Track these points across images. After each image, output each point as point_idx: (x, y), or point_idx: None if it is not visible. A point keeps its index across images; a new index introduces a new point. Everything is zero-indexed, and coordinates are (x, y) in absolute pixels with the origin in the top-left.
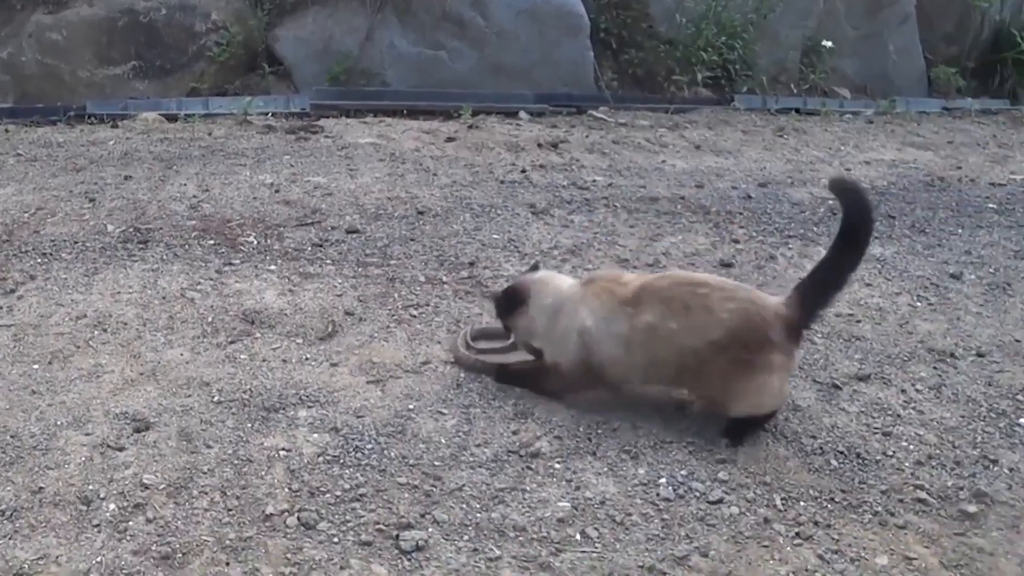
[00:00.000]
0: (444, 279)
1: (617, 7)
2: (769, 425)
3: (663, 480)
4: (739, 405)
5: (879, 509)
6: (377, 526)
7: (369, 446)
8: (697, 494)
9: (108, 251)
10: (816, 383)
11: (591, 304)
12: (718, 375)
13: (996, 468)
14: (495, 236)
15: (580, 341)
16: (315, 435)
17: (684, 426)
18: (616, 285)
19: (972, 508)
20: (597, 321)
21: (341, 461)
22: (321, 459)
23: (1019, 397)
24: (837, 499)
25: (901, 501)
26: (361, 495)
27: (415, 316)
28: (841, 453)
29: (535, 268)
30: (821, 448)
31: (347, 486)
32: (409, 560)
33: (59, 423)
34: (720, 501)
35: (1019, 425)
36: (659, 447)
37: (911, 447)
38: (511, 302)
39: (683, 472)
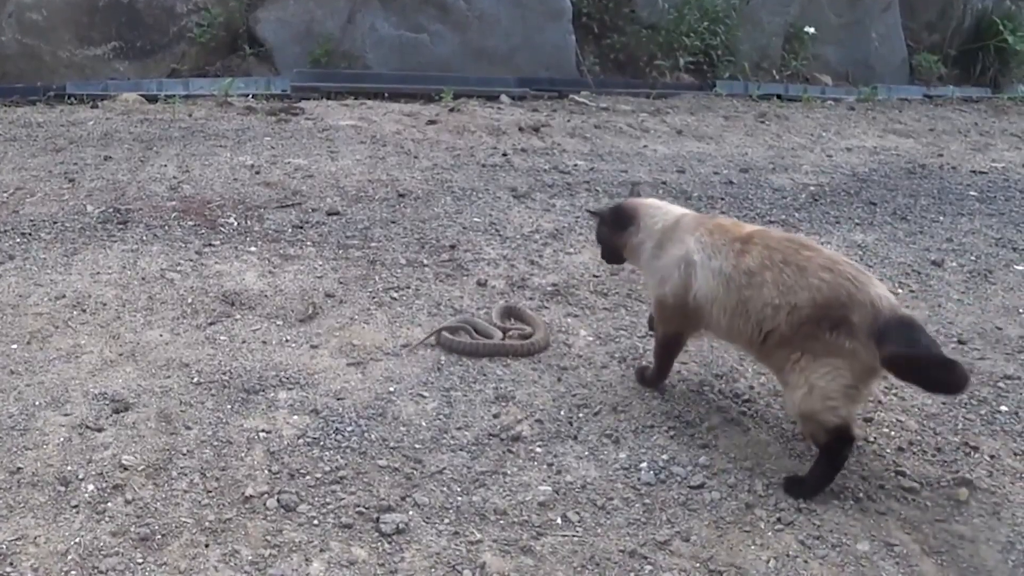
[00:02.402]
0: (425, 262)
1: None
2: (752, 411)
3: (644, 464)
4: (793, 394)
5: (861, 495)
6: (357, 508)
7: (349, 428)
8: (679, 479)
9: (87, 231)
10: None
11: (702, 237)
12: (786, 346)
13: (977, 455)
14: (476, 219)
15: (684, 272)
16: (295, 417)
17: (666, 410)
18: (734, 225)
19: (953, 495)
20: (703, 255)
21: (321, 443)
22: (301, 441)
23: (1000, 384)
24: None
25: (883, 487)
26: (341, 477)
27: (396, 299)
28: None
29: (636, 194)
30: (803, 434)
31: (327, 468)
32: (389, 543)
33: (37, 403)
34: (702, 486)
35: (1000, 412)
36: (640, 431)
37: (892, 434)
38: (620, 220)
39: (664, 457)
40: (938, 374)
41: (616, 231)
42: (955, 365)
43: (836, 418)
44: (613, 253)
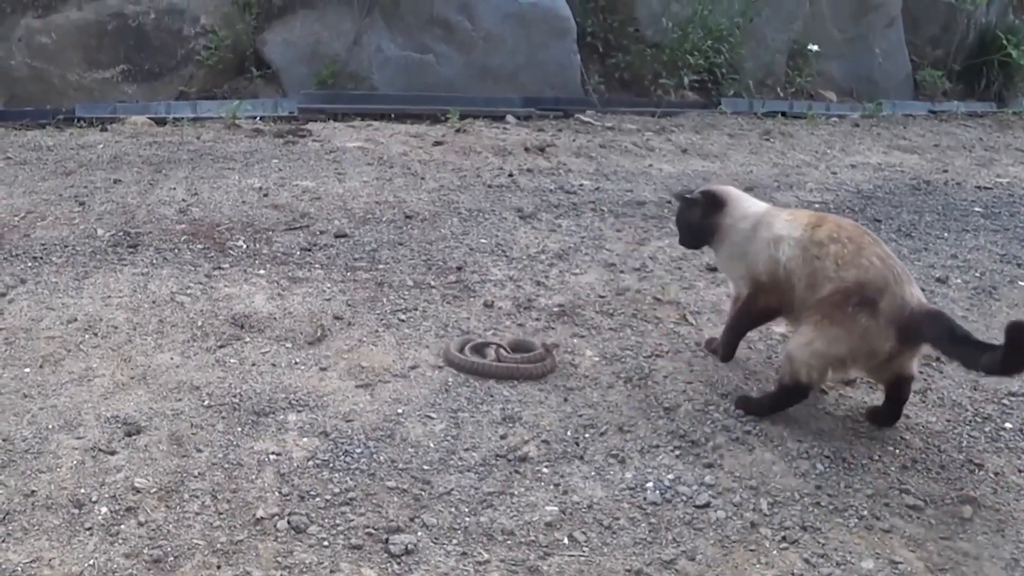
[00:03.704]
0: (432, 283)
1: (603, 11)
2: (757, 429)
3: (650, 484)
4: (795, 338)
5: (865, 513)
6: (367, 530)
7: (358, 450)
8: (684, 498)
9: (98, 255)
10: None
11: (786, 218)
12: (818, 307)
13: (981, 472)
14: (483, 240)
15: (774, 248)
16: (305, 439)
17: (671, 429)
18: (812, 213)
19: (958, 512)
20: (787, 230)
21: (331, 465)
22: (311, 463)
23: (1004, 402)
24: (823, 503)
25: (887, 505)
26: (351, 499)
27: (403, 320)
28: (827, 457)
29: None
30: (807, 452)
31: (337, 490)
32: (398, 564)
33: (51, 427)
34: (707, 505)
35: (1004, 429)
36: (646, 451)
37: (897, 451)
38: (713, 204)
39: (670, 476)
40: (975, 351)
41: (708, 214)
42: (993, 347)
43: (808, 376)
44: (698, 236)
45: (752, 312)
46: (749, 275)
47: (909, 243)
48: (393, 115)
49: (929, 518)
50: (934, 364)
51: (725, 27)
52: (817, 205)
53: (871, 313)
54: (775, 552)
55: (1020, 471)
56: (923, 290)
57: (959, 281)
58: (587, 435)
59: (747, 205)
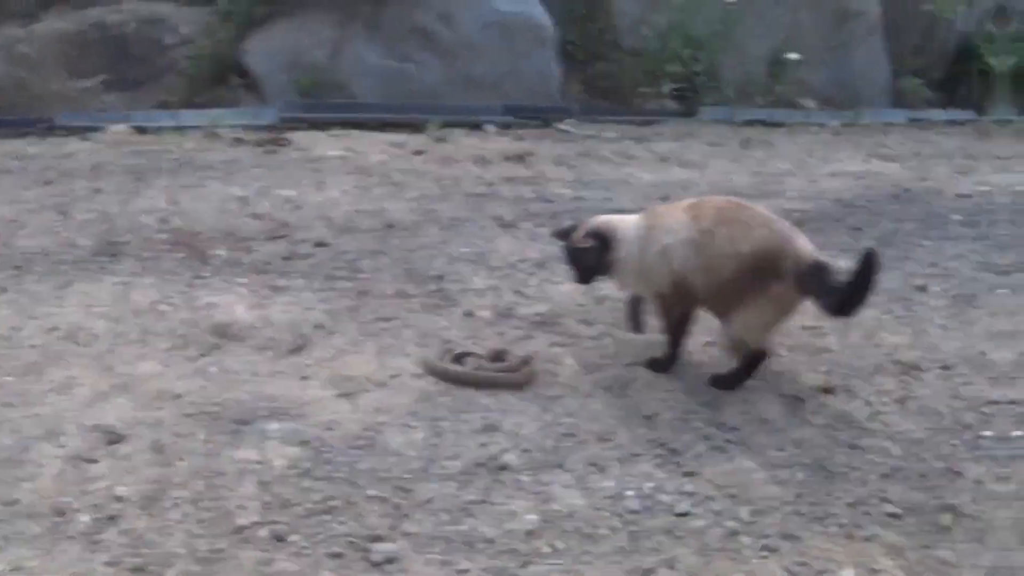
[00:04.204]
0: (412, 292)
1: (583, 19)
2: (737, 438)
3: (630, 493)
4: (734, 324)
5: (845, 521)
6: (348, 538)
7: (339, 459)
8: (664, 506)
9: (80, 264)
10: (782, 396)
11: (662, 223)
12: (732, 291)
13: (961, 481)
14: (463, 249)
15: (666, 263)
16: (286, 448)
17: (652, 438)
18: (675, 202)
19: (938, 521)
20: (670, 235)
21: (312, 474)
22: (292, 472)
23: (984, 410)
24: (804, 511)
25: (867, 514)
26: (332, 507)
27: (384, 329)
28: (807, 466)
29: (571, 228)
30: (787, 461)
31: (318, 498)
32: (380, 572)
33: (32, 435)
34: (687, 514)
35: (984, 437)
36: (626, 460)
37: (877, 460)
38: (604, 245)
39: (650, 484)
40: (841, 296)
41: (602, 254)
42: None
43: (758, 345)
44: (594, 274)
45: (674, 320)
46: (656, 292)
47: (890, 251)
48: (374, 124)
49: (909, 526)
50: (913, 373)
51: (704, 36)
52: (797, 214)
53: (777, 278)
54: (755, 560)
55: (1000, 479)
56: (904, 299)
57: (938, 289)
58: (567, 444)
59: (630, 231)
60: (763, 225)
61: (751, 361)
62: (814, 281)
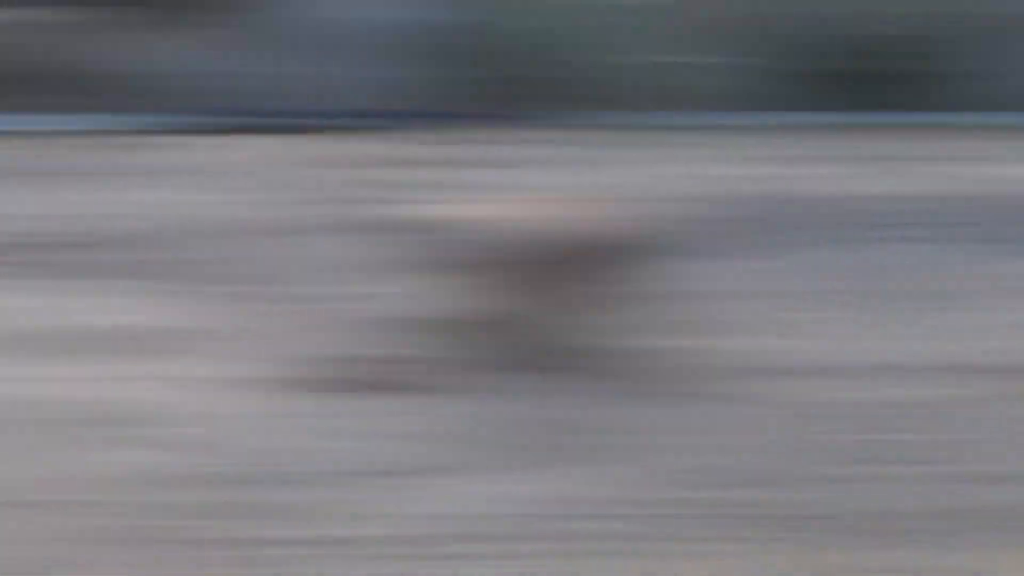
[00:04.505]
0: (261, 297)
1: (465, 27)
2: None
3: (540, 497)
4: None
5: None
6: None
7: (218, 462)
8: (572, 513)
9: None
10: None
11: None
12: None
13: None
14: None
15: None
16: (150, 453)
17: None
18: None
19: None
20: None
21: (184, 480)
22: (156, 478)
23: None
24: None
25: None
26: (209, 513)
27: (248, 334)
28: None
29: None
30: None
31: (193, 504)
32: None
33: None
34: (602, 517)
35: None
36: (538, 463)
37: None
38: None
39: (562, 488)
40: None
41: None
42: None
43: None
44: None
45: None
46: None
47: (766, 257)
48: (239, 130)
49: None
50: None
51: (583, 41)
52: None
53: None
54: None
55: None
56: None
57: (848, 296)
58: (471, 447)
59: None
60: None
61: None
62: None
